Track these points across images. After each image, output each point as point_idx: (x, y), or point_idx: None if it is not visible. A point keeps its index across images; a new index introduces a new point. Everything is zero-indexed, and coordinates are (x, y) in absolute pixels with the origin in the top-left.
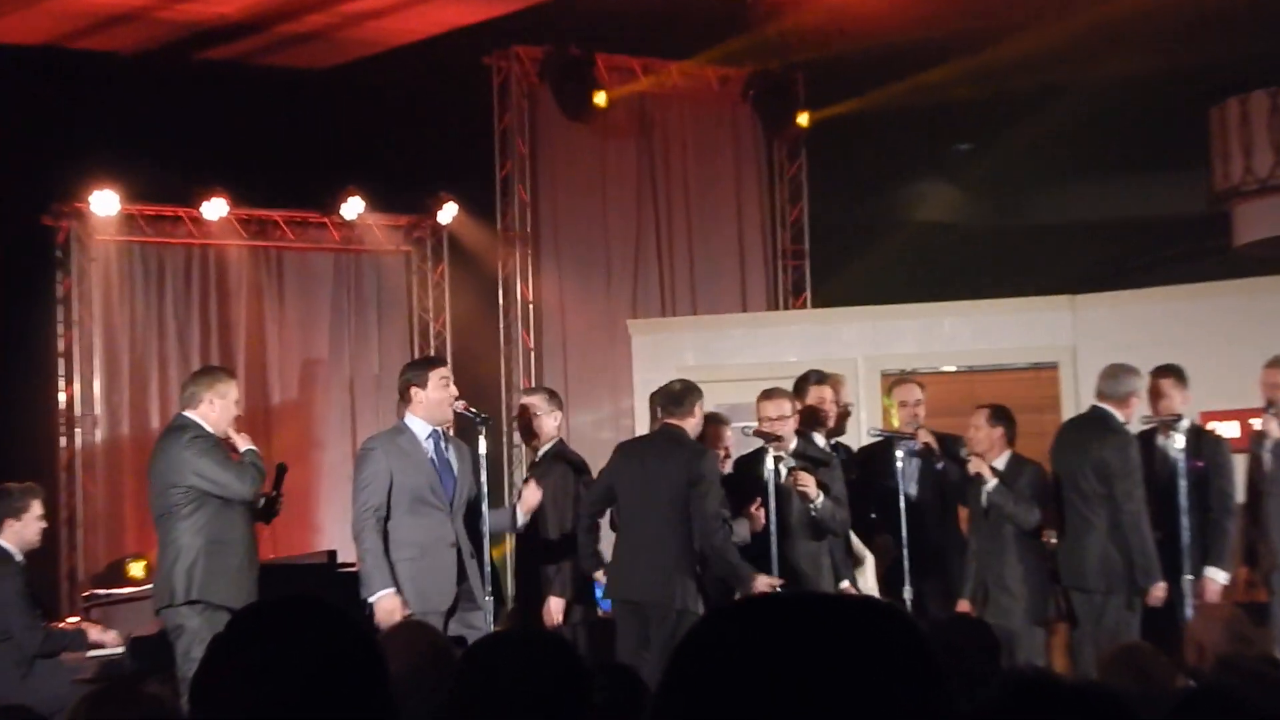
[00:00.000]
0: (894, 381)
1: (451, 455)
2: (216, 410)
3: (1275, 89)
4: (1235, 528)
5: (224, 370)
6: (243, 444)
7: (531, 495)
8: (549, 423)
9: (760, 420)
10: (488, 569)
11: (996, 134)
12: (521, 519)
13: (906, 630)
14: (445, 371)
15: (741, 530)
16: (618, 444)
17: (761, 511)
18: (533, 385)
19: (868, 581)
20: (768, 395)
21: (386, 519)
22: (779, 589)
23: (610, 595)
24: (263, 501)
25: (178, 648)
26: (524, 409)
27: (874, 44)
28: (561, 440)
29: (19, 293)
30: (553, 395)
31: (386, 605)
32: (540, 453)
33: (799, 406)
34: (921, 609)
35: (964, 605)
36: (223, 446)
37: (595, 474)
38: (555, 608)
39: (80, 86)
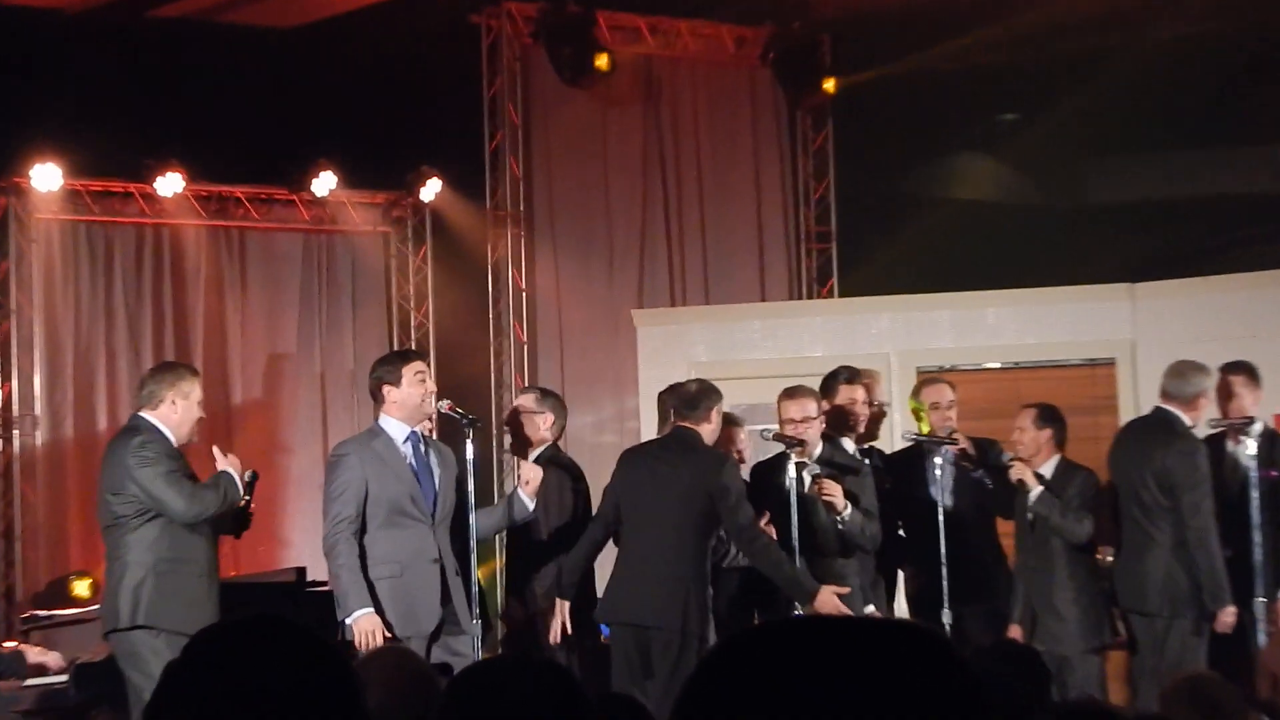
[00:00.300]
0: (922, 381)
1: (433, 460)
2: (179, 412)
3: None
4: None
5: (187, 367)
6: (221, 463)
7: (531, 472)
8: (540, 424)
9: (781, 422)
10: (475, 588)
11: (1045, 102)
12: (529, 504)
13: (947, 658)
14: (420, 365)
15: None
16: (623, 451)
17: (771, 527)
18: (525, 383)
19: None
20: (790, 394)
21: (362, 532)
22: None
23: (607, 618)
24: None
25: (128, 676)
26: (514, 412)
27: (909, 1)
28: (556, 445)
29: None
30: (545, 394)
31: (365, 626)
32: (531, 458)
33: (826, 407)
34: (962, 634)
35: (1011, 630)
36: (178, 457)
37: (590, 481)
38: (555, 629)
39: (18, 47)
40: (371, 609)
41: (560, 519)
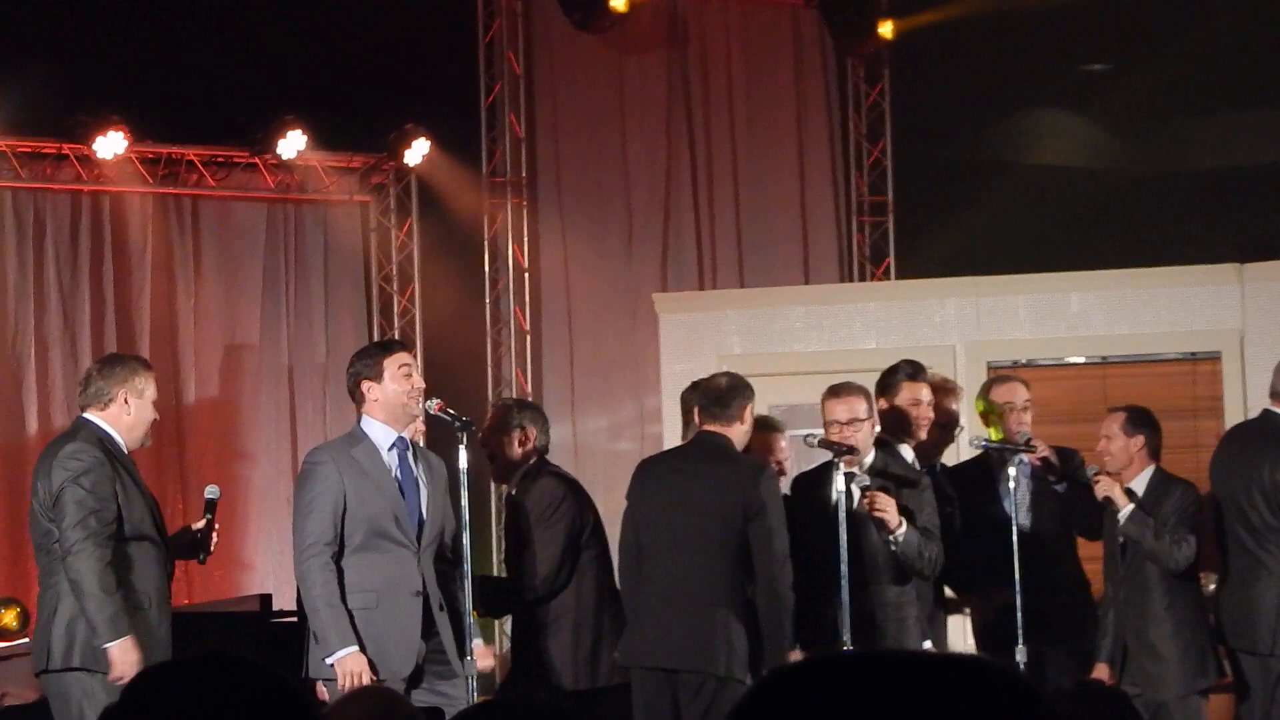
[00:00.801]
0: (992, 379)
1: (421, 473)
2: (132, 414)
3: None
4: None
5: (140, 361)
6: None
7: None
8: (514, 441)
9: (825, 425)
10: (469, 622)
11: (1141, 50)
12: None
13: (1024, 701)
14: (405, 358)
15: None
16: (640, 463)
17: None
18: (528, 379)
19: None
20: (835, 392)
21: (338, 556)
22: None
23: (630, 661)
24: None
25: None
26: (485, 433)
27: None
28: (543, 458)
29: None
30: (520, 406)
31: (351, 666)
32: (516, 479)
33: (883, 406)
34: (1039, 674)
35: (1097, 670)
36: (119, 469)
37: (608, 495)
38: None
39: None
40: (356, 647)
41: (552, 539)
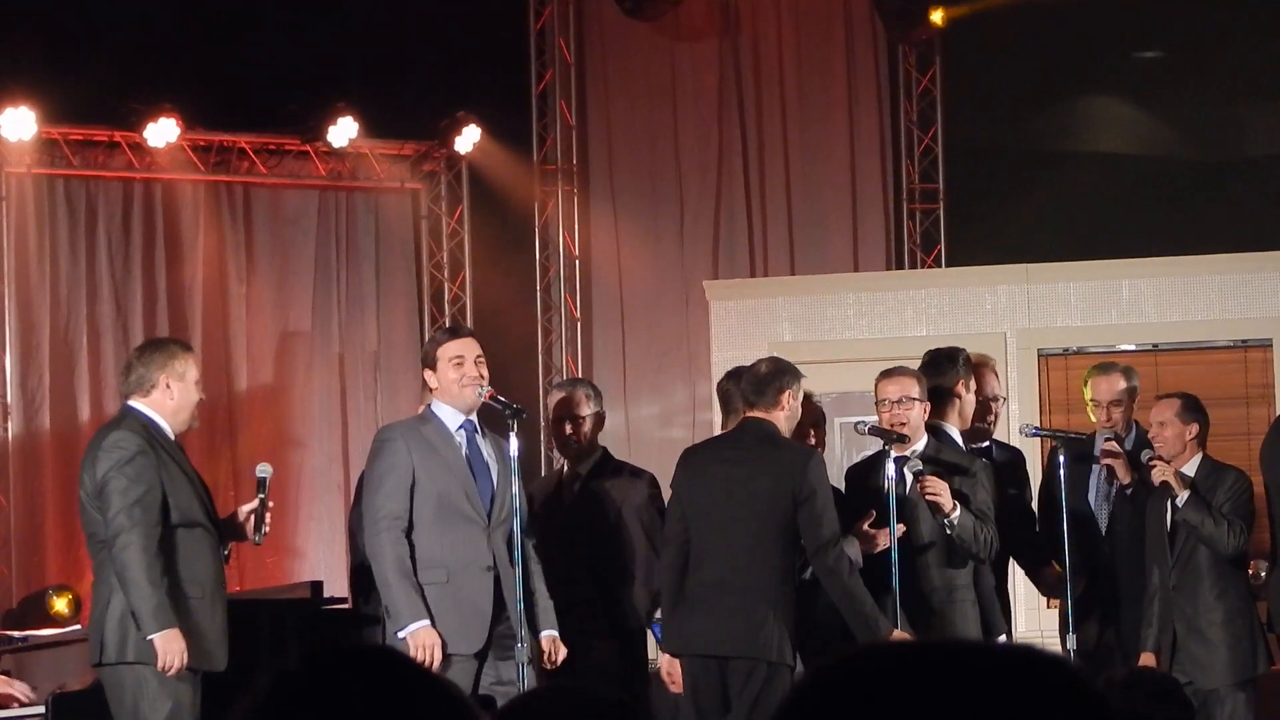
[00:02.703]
0: (1093, 367)
1: (489, 454)
2: (175, 398)
3: None
4: None
5: (179, 343)
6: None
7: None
8: (590, 424)
9: (879, 405)
10: (520, 605)
11: (1196, 36)
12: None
13: (1077, 691)
14: (455, 348)
15: (851, 552)
16: (684, 451)
17: (882, 532)
18: (578, 367)
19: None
20: (889, 373)
21: (408, 531)
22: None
23: (676, 649)
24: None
25: (116, 712)
26: (566, 410)
27: None
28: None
29: None
30: (594, 389)
31: (423, 640)
32: (587, 465)
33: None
34: (1095, 661)
35: (1147, 657)
36: (164, 455)
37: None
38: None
39: None
40: (428, 621)
41: (627, 535)
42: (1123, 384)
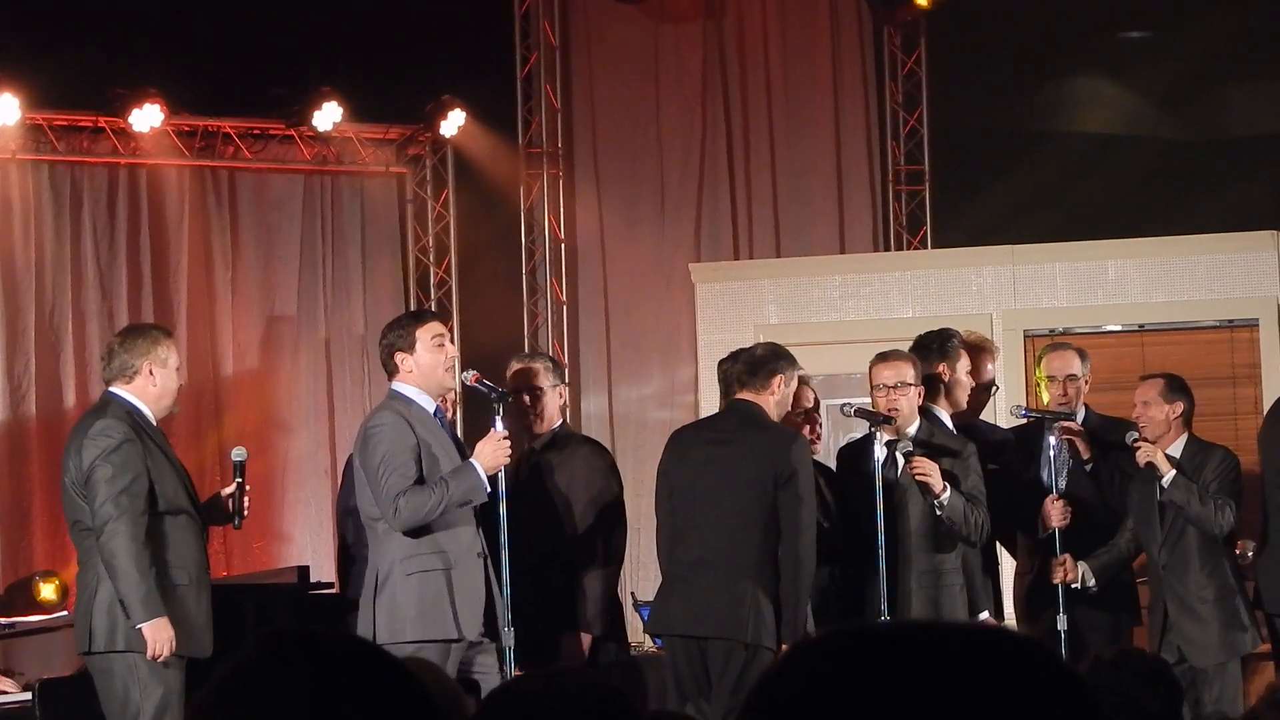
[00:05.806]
0: (1047, 346)
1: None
2: (158, 384)
3: None
4: None
5: (160, 329)
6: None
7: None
8: (555, 400)
9: (873, 390)
10: (506, 591)
11: (1180, 16)
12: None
13: (1056, 672)
14: (438, 327)
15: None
16: (672, 433)
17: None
18: (564, 349)
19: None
20: (884, 357)
21: None
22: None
23: (659, 630)
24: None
25: (104, 701)
26: (522, 376)
27: None
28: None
29: None
30: (553, 362)
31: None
32: (543, 439)
33: (943, 370)
34: (1081, 644)
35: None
36: (148, 443)
37: (642, 466)
38: (584, 644)
39: None
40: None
41: (593, 509)
42: (1077, 362)
